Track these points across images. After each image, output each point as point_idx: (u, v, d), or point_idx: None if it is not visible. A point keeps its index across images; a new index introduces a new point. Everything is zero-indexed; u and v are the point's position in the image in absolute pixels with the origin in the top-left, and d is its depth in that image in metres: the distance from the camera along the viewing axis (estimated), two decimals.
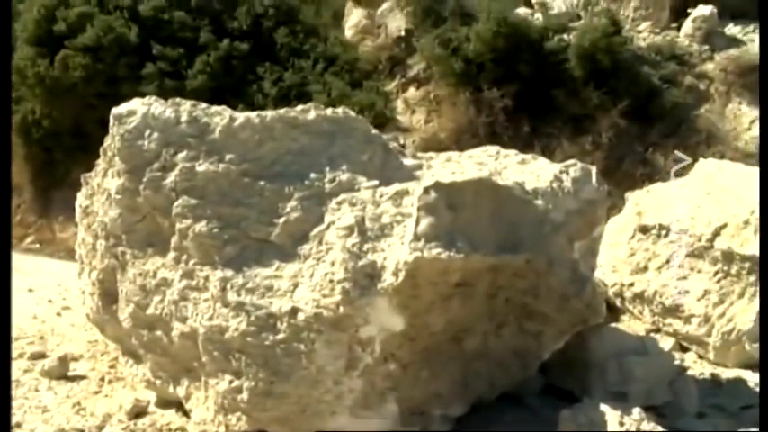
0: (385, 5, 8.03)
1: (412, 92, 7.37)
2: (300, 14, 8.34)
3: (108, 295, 3.67)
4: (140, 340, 3.50)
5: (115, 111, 3.47)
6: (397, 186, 3.13)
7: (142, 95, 3.61)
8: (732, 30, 7.58)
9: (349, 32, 8.31)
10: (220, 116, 3.36)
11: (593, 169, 3.49)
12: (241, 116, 3.34)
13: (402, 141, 6.57)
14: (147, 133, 3.35)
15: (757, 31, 7.58)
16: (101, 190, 3.66)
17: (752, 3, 7.71)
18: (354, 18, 8.31)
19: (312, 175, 3.17)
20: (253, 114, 3.35)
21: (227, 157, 3.24)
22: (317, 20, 8.47)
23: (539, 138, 6.42)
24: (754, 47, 7.30)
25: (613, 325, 4.17)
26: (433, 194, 2.92)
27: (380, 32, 7.87)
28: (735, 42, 7.43)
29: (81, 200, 3.93)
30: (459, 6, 7.26)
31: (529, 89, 6.78)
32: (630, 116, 6.54)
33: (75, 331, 4.50)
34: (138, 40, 7.32)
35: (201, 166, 3.23)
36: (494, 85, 6.72)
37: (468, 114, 6.73)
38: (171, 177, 3.26)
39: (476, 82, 6.84)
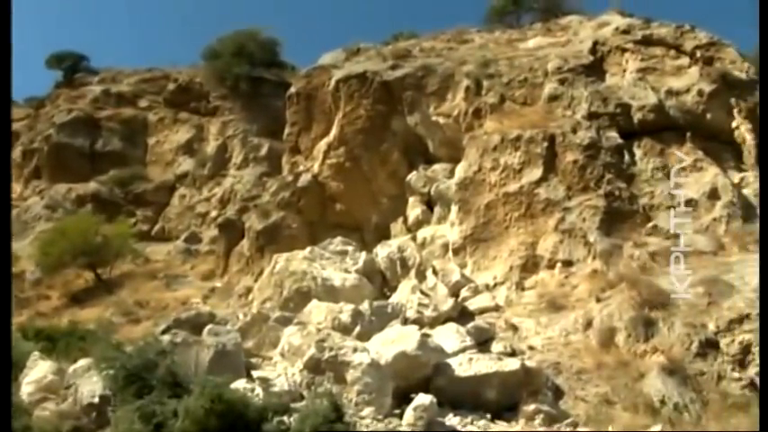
0: (81, 362, 6.74)
1: None
2: None
3: None
4: None
5: None
6: None
7: None
8: (452, 420, 7.57)
9: (28, 388, 6.70)
10: None
11: None
12: None
13: None
14: None
15: (475, 422, 7.69)
16: None
17: (469, 394, 8.01)
18: (39, 372, 6.81)
19: None
20: None
21: None
22: None
23: None
24: None
25: None
26: None
27: (69, 395, 6.43)
28: None
29: None
30: (171, 374, 6.26)
31: None
32: None
33: None
34: None
35: None
36: None
37: None
38: None
39: None
